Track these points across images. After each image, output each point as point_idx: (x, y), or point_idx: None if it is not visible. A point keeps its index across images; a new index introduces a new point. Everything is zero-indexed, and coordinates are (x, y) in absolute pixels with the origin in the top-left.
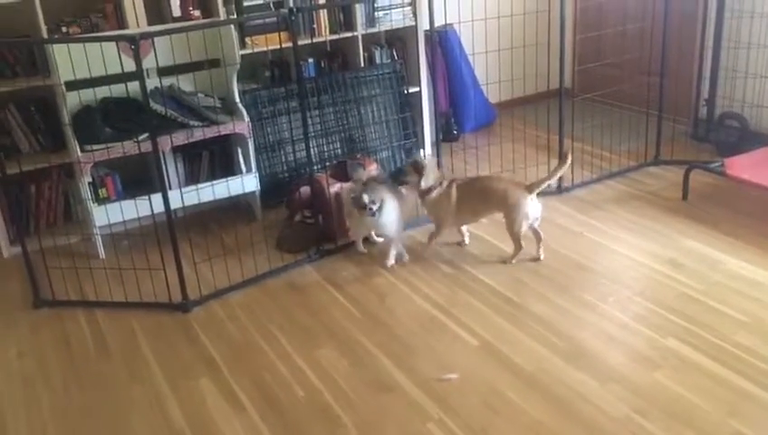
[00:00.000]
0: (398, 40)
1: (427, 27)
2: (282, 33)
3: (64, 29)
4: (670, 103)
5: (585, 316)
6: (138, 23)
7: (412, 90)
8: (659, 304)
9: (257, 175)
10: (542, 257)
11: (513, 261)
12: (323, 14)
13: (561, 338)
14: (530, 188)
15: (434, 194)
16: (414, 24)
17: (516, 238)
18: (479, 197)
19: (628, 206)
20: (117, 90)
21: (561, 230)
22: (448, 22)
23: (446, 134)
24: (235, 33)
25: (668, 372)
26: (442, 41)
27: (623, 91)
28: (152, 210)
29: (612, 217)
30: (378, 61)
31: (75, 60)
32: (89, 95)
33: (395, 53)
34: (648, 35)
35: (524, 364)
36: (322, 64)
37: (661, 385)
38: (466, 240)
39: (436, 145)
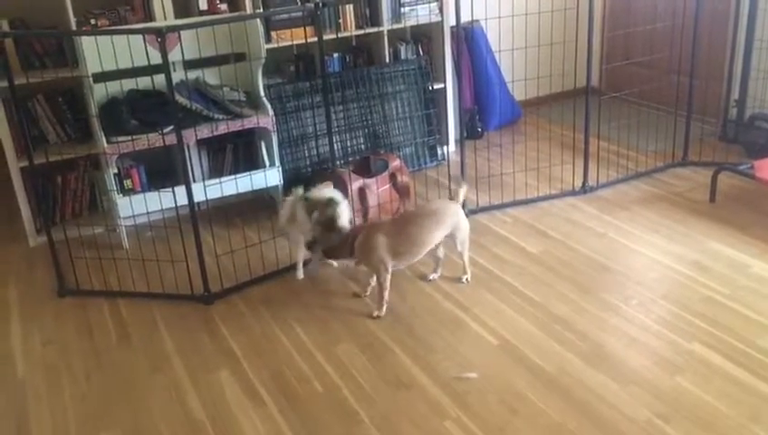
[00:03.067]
0: (424, 36)
1: (454, 23)
2: (307, 28)
3: (93, 21)
4: (699, 104)
5: (607, 318)
6: (165, 15)
7: (437, 86)
8: (683, 307)
9: (280, 169)
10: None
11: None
12: (349, 8)
13: (582, 339)
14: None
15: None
16: (440, 19)
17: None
18: (428, 225)
19: (653, 207)
20: (143, 82)
21: (585, 230)
22: (475, 18)
23: (471, 131)
24: (261, 28)
25: (691, 376)
26: (468, 37)
27: (651, 90)
28: (176, 202)
29: (637, 217)
30: (403, 56)
31: (103, 52)
32: (116, 87)
33: (420, 49)
34: (678, 34)
35: (545, 365)
36: (347, 59)
37: (683, 389)
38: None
39: (460, 142)
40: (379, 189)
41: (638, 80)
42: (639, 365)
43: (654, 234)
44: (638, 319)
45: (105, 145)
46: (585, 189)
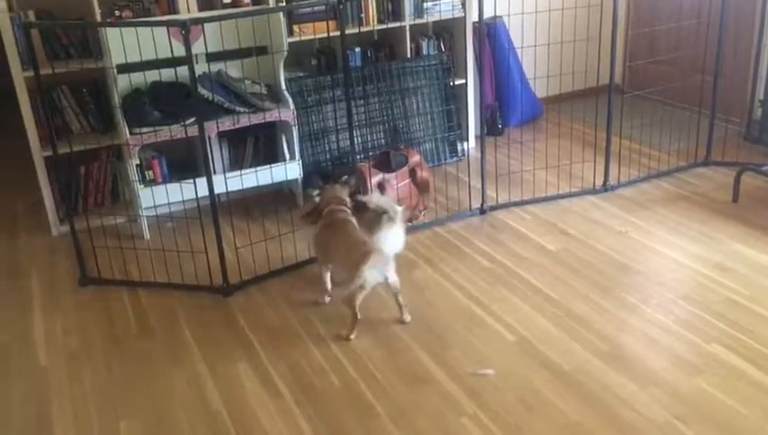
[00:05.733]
0: (446, 31)
1: (476, 19)
2: (329, 22)
3: (117, 13)
4: (723, 103)
5: (627, 318)
6: (188, 8)
7: (458, 82)
8: (704, 308)
9: (301, 162)
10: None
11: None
12: (372, 3)
13: (601, 339)
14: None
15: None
16: (463, 15)
17: None
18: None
19: (675, 206)
20: (166, 74)
21: (605, 229)
22: (498, 14)
23: (491, 128)
24: (283, 21)
25: (711, 378)
26: (490, 33)
27: (675, 89)
28: (197, 194)
29: (658, 217)
30: (424, 52)
31: (127, 43)
32: (139, 79)
33: (442, 45)
34: (703, 32)
35: (563, 364)
36: (369, 54)
37: (703, 391)
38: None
39: (481, 139)
40: (398, 184)
41: (662, 78)
42: (658, 366)
43: (675, 234)
44: (658, 319)
45: (128, 136)
46: (606, 188)
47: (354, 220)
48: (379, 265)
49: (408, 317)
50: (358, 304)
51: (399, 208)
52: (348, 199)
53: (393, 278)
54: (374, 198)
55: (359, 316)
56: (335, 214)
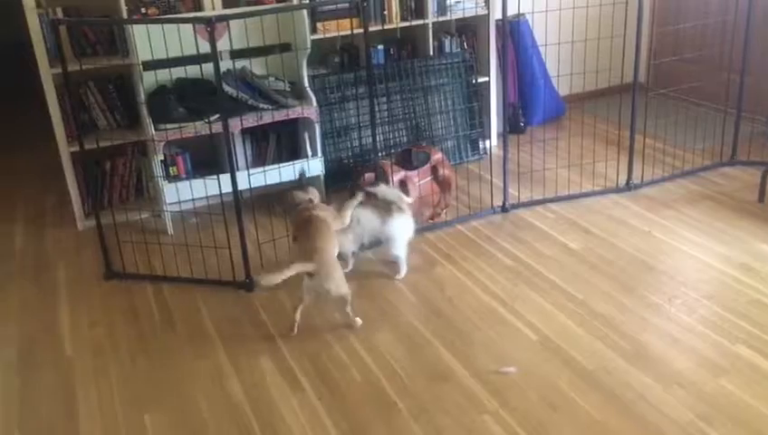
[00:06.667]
0: (469, 29)
1: (500, 17)
2: (353, 20)
3: (143, 10)
4: (750, 101)
5: (650, 317)
6: (213, 5)
7: (481, 80)
8: (729, 308)
9: (323, 159)
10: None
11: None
12: (395, 1)
13: (624, 338)
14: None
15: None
16: (486, 12)
17: None
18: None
19: (700, 206)
20: (191, 71)
21: (628, 228)
22: (521, 12)
23: (513, 126)
24: (307, 18)
25: (735, 378)
26: (514, 31)
27: (700, 87)
28: (220, 190)
29: (683, 216)
30: (447, 49)
31: (153, 40)
32: (165, 75)
33: (465, 42)
34: (729, 30)
35: (585, 363)
36: (391, 51)
37: (727, 392)
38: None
39: (503, 136)
40: (420, 182)
41: (687, 76)
42: (682, 366)
43: (700, 233)
44: (682, 319)
45: (153, 132)
46: (629, 187)
47: (322, 217)
48: (316, 279)
49: (358, 322)
50: (299, 309)
51: (407, 199)
52: (314, 197)
53: (336, 292)
54: (381, 190)
55: (296, 318)
56: (302, 213)
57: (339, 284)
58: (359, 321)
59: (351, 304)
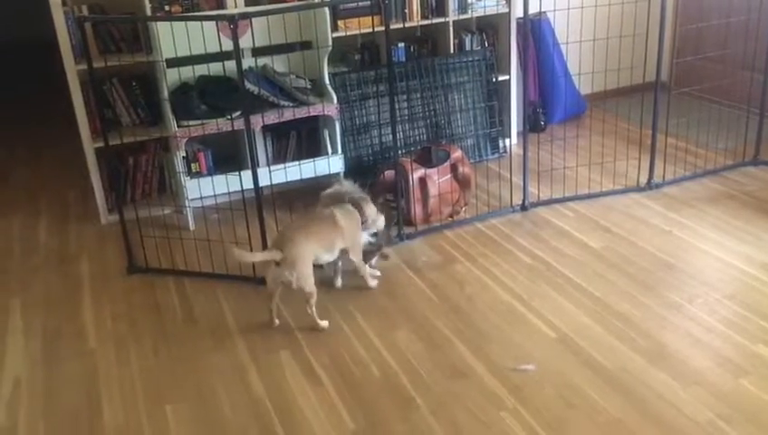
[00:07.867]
0: (490, 27)
1: (521, 15)
2: (374, 18)
3: (167, 7)
4: None
5: (670, 317)
6: (235, 3)
7: (501, 78)
8: (750, 309)
9: (343, 157)
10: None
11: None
12: None
13: (643, 337)
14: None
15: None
16: (507, 10)
17: None
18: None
19: (721, 206)
20: (214, 68)
21: (649, 227)
22: (543, 10)
23: (534, 124)
24: (328, 16)
25: (756, 379)
26: (535, 29)
27: (723, 86)
28: (242, 186)
29: (704, 216)
30: (468, 47)
31: (176, 38)
32: (187, 72)
33: (485, 41)
34: (753, 29)
35: (604, 361)
36: (412, 49)
37: (747, 392)
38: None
39: (524, 135)
40: (439, 180)
41: (710, 75)
42: (702, 366)
43: (721, 233)
44: (703, 319)
45: (176, 129)
46: (650, 186)
47: (333, 214)
48: (281, 268)
49: (322, 325)
50: (273, 300)
51: (362, 191)
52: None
53: (297, 284)
54: (345, 187)
55: (271, 307)
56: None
57: (301, 277)
58: (324, 324)
59: (314, 305)
